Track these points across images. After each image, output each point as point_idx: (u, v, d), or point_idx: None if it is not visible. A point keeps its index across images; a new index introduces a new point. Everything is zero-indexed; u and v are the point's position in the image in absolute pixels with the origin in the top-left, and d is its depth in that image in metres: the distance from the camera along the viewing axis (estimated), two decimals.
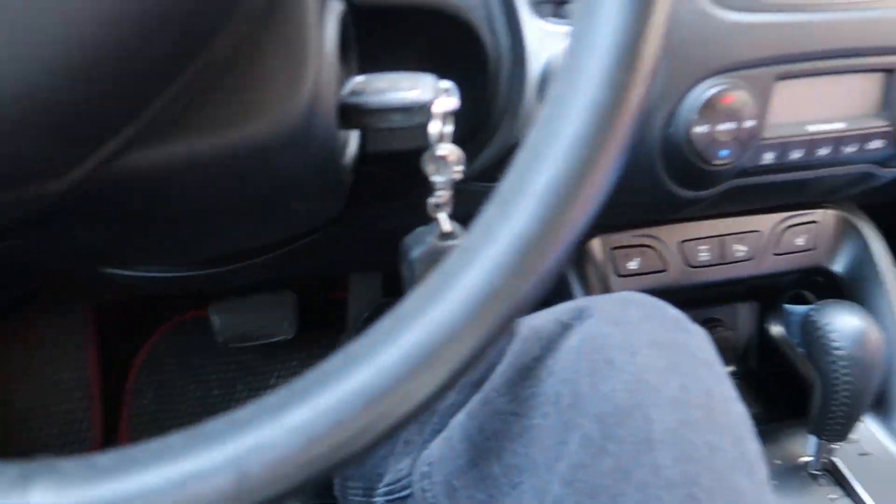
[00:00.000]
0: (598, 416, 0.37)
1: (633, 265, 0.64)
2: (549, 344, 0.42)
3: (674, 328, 0.41)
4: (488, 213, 0.22)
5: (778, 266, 0.68)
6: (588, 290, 0.63)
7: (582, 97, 0.24)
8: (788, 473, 0.61)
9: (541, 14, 0.48)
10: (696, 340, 0.42)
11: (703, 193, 0.55)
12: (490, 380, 0.44)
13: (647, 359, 0.39)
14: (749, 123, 0.50)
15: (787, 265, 0.68)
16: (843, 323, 0.55)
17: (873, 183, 0.61)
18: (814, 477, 0.60)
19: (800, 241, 0.68)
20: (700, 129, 0.50)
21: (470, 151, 0.52)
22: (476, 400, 0.44)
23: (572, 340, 0.41)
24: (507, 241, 0.21)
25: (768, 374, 0.77)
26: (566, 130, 0.24)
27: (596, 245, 0.64)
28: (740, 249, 0.66)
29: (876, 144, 0.55)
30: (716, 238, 0.66)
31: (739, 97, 0.50)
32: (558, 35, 0.48)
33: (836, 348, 0.55)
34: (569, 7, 0.49)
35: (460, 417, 0.45)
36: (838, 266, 0.69)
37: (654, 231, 0.65)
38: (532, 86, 0.49)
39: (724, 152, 0.51)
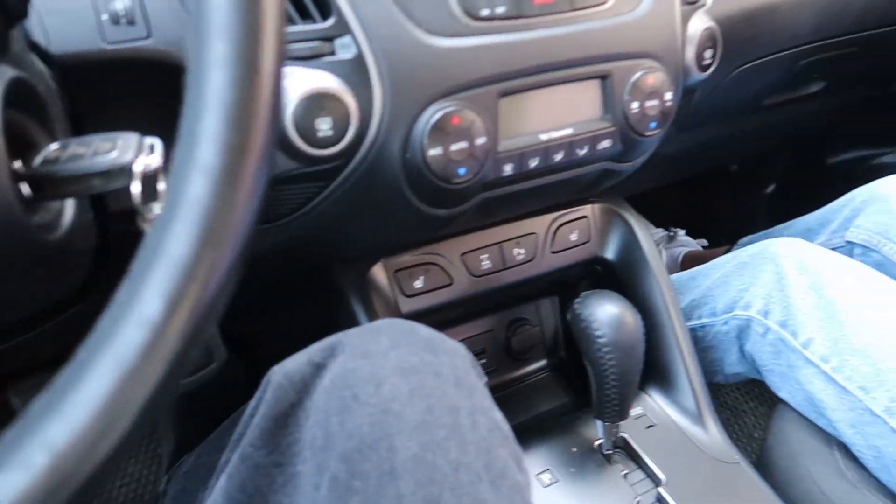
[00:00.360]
0: (344, 455, 0.38)
1: (418, 284, 0.66)
2: (305, 387, 0.42)
3: (423, 350, 0.42)
4: (120, 291, 0.22)
5: (558, 262, 0.72)
6: (375, 318, 0.63)
7: (197, 163, 0.24)
8: (585, 457, 0.64)
9: None
10: (447, 359, 0.43)
11: (457, 210, 0.57)
12: (246, 435, 0.43)
13: (393, 387, 0.39)
14: (481, 141, 0.53)
15: (566, 260, 0.73)
16: (602, 311, 0.59)
17: (617, 177, 0.66)
18: (607, 456, 0.64)
19: (573, 237, 0.72)
20: (434, 152, 0.52)
21: None
22: (234, 458, 0.43)
23: (326, 380, 0.41)
24: (133, 326, 0.21)
25: (577, 364, 0.82)
26: (188, 199, 0.24)
27: (378, 271, 0.65)
28: (520, 252, 0.70)
29: (605, 144, 0.60)
30: (495, 245, 0.69)
31: (466, 117, 0.52)
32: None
33: (599, 336, 0.59)
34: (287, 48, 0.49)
35: (221, 481, 0.44)
36: (610, 254, 0.74)
37: (435, 248, 0.67)
38: None
39: (462, 171, 0.53)
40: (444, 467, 0.37)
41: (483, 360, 0.76)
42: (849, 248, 0.85)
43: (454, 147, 0.52)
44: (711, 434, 0.67)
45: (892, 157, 1.12)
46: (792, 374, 0.70)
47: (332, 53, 0.50)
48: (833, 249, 0.86)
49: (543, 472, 0.62)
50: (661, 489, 0.61)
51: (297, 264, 0.66)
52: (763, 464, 0.69)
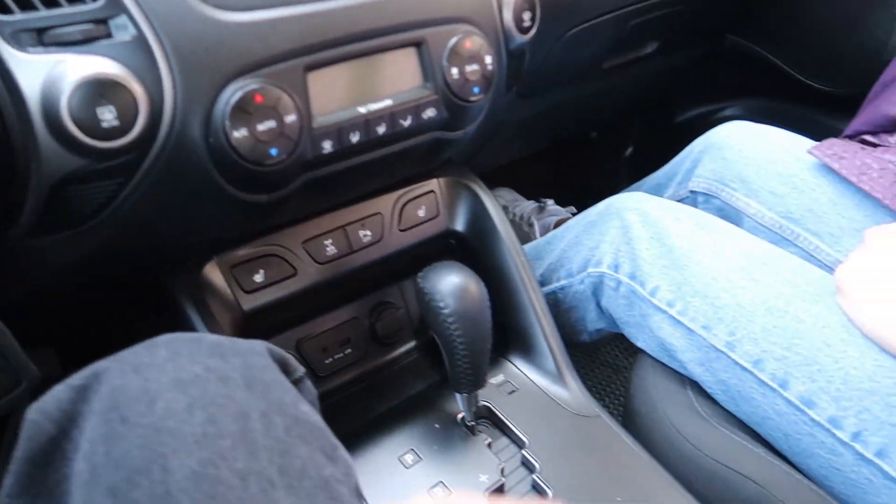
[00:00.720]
0: (112, 489, 0.33)
1: (259, 278, 0.63)
2: (67, 417, 0.37)
3: (208, 357, 0.39)
4: None
5: (407, 240, 0.71)
6: (213, 322, 0.59)
7: None
8: (449, 432, 0.63)
9: (21, 46, 0.44)
10: (238, 361, 0.40)
11: (279, 194, 0.54)
12: (4, 484, 0.38)
13: (169, 402, 0.36)
14: (291, 118, 0.50)
15: (416, 237, 0.71)
16: (444, 283, 0.59)
17: (453, 147, 0.65)
18: (471, 428, 0.64)
19: (421, 213, 0.71)
20: (239, 134, 0.49)
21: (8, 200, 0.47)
22: None
23: (93, 403, 0.37)
24: None
25: None
26: None
27: (212, 269, 0.61)
28: (366, 234, 0.68)
29: (429, 113, 0.58)
30: (339, 229, 0.67)
31: (271, 95, 0.49)
32: (46, 64, 0.44)
33: (442, 308, 0.58)
34: (54, 32, 0.45)
35: None
36: (460, 226, 0.73)
37: (273, 238, 0.64)
38: (38, 120, 0.44)
39: (273, 151, 0.50)
40: (230, 479, 0.34)
41: (349, 350, 0.73)
42: (693, 198, 0.88)
43: (261, 127, 0.49)
44: (572, 391, 0.68)
45: (732, 110, 1.18)
46: (645, 323, 0.72)
47: (109, 36, 0.46)
48: (680, 201, 0.89)
49: (406, 453, 0.61)
50: (524, 451, 0.61)
51: (122, 273, 0.61)
52: (628, 413, 0.71)
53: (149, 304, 0.64)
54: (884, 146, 0.79)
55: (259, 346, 0.42)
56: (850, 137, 0.86)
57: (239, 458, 0.34)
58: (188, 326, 0.59)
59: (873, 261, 0.60)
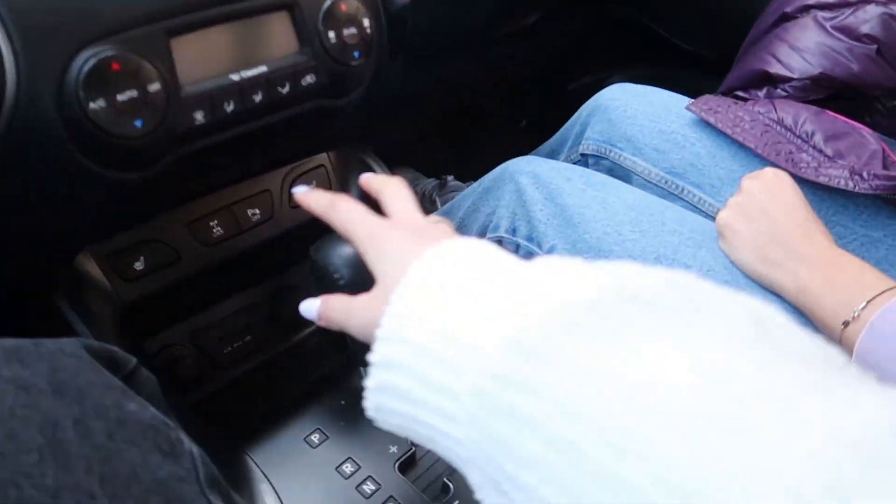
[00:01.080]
0: None
1: (139, 265, 0.59)
2: None
3: (4, 365, 0.34)
4: None
5: (301, 217, 0.68)
6: (93, 320, 0.55)
7: None
8: (355, 408, 0.61)
9: None
10: (43, 366, 0.35)
11: (152, 170, 0.51)
12: None
13: None
14: (154, 87, 0.47)
15: (309, 214, 0.69)
16: (338, 254, 0.57)
17: (340, 117, 0.63)
18: None
19: (313, 188, 0.69)
20: (97, 105, 0.45)
21: None
22: None
23: None
24: None
25: None
26: None
27: (86, 259, 0.56)
28: (255, 213, 0.65)
29: (309, 79, 0.56)
30: (225, 209, 0.63)
31: (130, 62, 0.46)
32: None
33: (338, 279, 0.56)
34: None
35: None
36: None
37: (154, 222, 0.60)
38: None
39: (138, 122, 0.47)
40: (38, 498, 0.30)
41: (248, 337, 0.70)
42: (584, 161, 0.90)
43: (121, 97, 0.46)
44: None
45: (619, 77, 1.22)
46: None
47: None
48: (574, 164, 0.91)
49: (312, 433, 0.59)
50: None
51: None
52: None
53: (18, 301, 0.59)
54: (753, 100, 0.84)
55: (70, 345, 0.38)
56: (725, 94, 0.90)
57: (48, 473, 0.31)
58: (63, 323, 0.55)
59: (747, 204, 0.63)
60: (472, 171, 1.28)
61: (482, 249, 0.36)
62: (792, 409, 0.22)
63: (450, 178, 1.24)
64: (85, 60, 0.44)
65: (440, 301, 0.33)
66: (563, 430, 0.26)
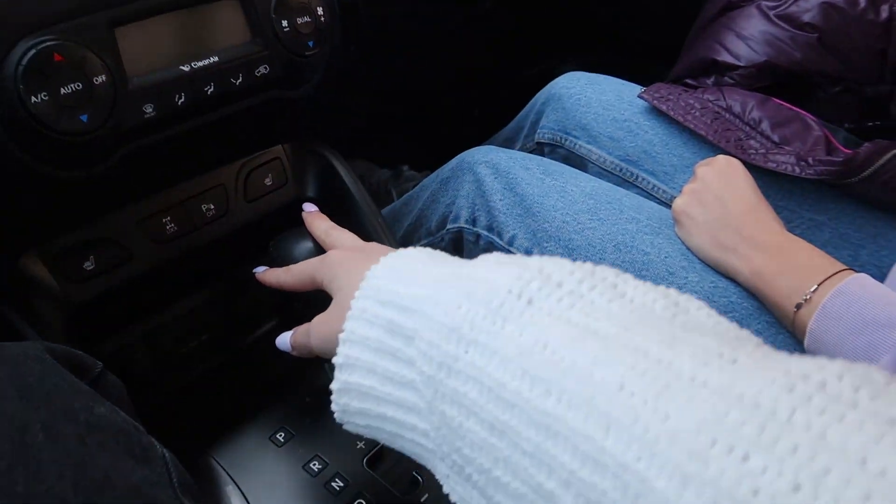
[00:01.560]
0: None
1: (88, 265, 0.56)
2: None
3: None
4: None
5: (257, 211, 0.67)
6: (39, 319, 0.52)
7: None
8: (321, 404, 0.61)
9: None
10: (8, 370, 0.35)
11: (99, 167, 0.49)
12: None
13: None
14: (100, 79, 0.45)
15: (266, 207, 0.67)
16: (299, 249, 0.56)
17: (296, 106, 0.62)
18: None
19: (268, 182, 0.67)
20: (38, 99, 0.42)
21: None
22: None
23: None
24: None
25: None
26: None
27: (30, 260, 0.53)
28: (209, 208, 0.63)
29: (262, 70, 0.55)
30: (178, 206, 0.61)
31: (73, 52, 0.44)
32: None
33: None
34: None
35: None
36: (312, 192, 0.70)
37: (104, 220, 0.57)
38: None
39: (83, 117, 0.45)
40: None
41: (205, 336, 0.68)
42: (540, 150, 0.91)
43: (64, 90, 0.43)
44: None
45: (570, 66, 1.23)
46: None
47: None
48: (530, 153, 0.92)
49: (277, 432, 0.58)
50: None
51: None
52: None
53: None
54: (703, 87, 0.86)
55: (34, 348, 0.37)
56: (674, 82, 0.92)
57: (19, 480, 0.30)
58: (9, 328, 0.52)
59: (701, 191, 0.65)
60: (427, 160, 1.27)
61: (425, 253, 0.40)
62: (699, 379, 0.24)
63: (405, 167, 1.23)
64: (24, 51, 0.42)
65: (393, 300, 0.36)
66: (498, 414, 0.28)
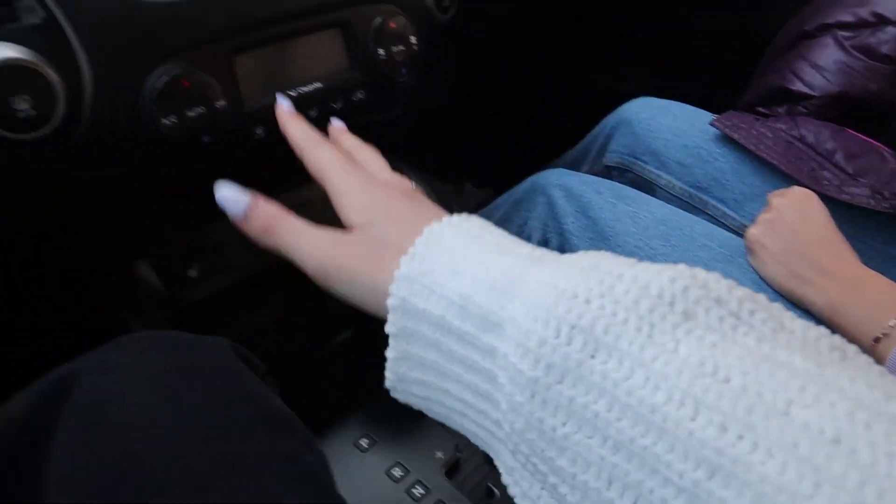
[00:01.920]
0: (97, 492, 0.32)
1: (193, 273, 0.60)
2: (33, 424, 0.35)
3: (175, 352, 0.39)
4: None
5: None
6: (150, 327, 0.57)
7: None
8: (403, 412, 0.64)
9: None
10: (206, 354, 0.40)
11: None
12: None
13: (141, 400, 0.35)
14: (221, 103, 0.49)
15: None
16: None
17: (386, 127, 0.65)
18: None
19: None
20: (169, 121, 0.46)
21: None
22: None
23: (64, 409, 0.35)
24: None
25: None
26: None
27: (143, 267, 0.58)
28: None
29: (360, 95, 0.58)
30: None
31: (198, 79, 0.47)
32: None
33: None
34: None
35: None
36: None
37: (207, 229, 0.61)
38: None
39: (206, 138, 0.48)
40: (216, 469, 0.34)
41: (295, 336, 0.72)
42: (608, 173, 0.92)
43: (191, 113, 0.47)
44: None
45: (626, 83, 1.24)
46: None
47: (15, 19, 0.43)
48: (597, 176, 0.93)
49: (361, 438, 0.60)
50: None
51: (47, 273, 0.57)
52: None
53: (79, 308, 0.60)
54: (774, 116, 0.86)
55: (221, 341, 0.41)
56: (745, 110, 0.92)
57: (221, 447, 0.34)
58: (122, 327, 0.56)
59: (776, 221, 0.66)
60: (487, 177, 1.30)
61: (495, 228, 0.33)
62: (812, 398, 0.22)
63: (467, 184, 1.26)
64: (158, 77, 0.46)
65: (471, 270, 0.29)
66: (634, 436, 0.24)
